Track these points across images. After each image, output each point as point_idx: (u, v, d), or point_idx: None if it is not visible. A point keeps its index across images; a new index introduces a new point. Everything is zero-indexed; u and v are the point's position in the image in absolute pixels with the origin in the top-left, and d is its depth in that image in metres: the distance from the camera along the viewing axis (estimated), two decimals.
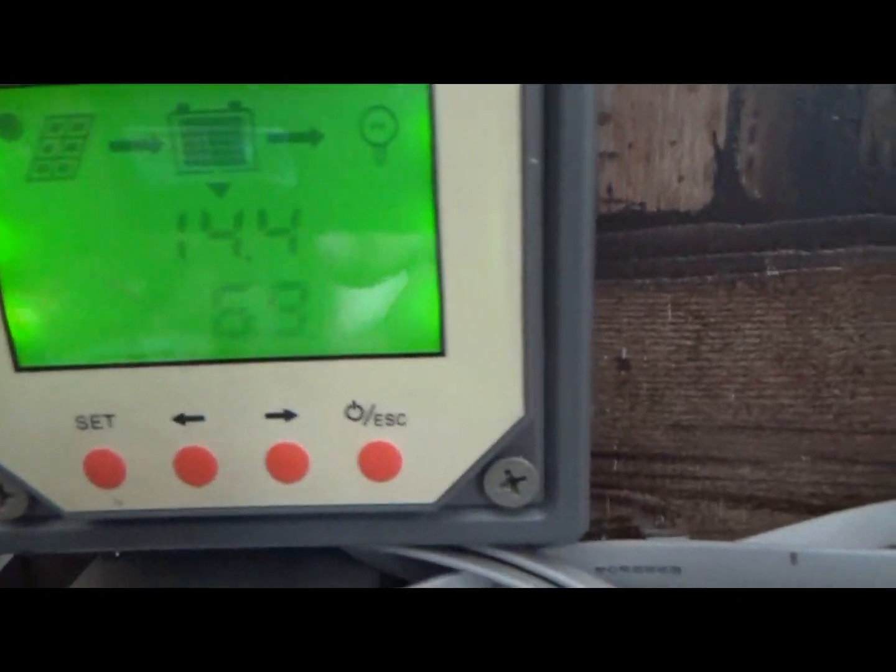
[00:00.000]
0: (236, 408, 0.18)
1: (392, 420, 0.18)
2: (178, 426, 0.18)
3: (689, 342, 0.24)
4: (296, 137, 0.16)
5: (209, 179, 0.16)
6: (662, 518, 0.26)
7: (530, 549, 0.21)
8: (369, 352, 0.17)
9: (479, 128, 0.16)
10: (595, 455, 0.25)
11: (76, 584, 0.24)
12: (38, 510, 0.19)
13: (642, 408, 0.25)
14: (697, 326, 0.24)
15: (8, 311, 0.18)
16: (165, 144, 0.16)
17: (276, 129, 0.16)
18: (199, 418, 0.18)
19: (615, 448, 0.25)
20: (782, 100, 0.21)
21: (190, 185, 0.16)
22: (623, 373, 0.24)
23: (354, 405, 0.18)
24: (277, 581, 0.23)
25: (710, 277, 0.23)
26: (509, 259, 0.16)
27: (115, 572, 0.25)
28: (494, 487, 0.19)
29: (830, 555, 0.18)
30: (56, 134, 0.16)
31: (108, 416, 0.18)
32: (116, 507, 0.19)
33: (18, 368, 0.18)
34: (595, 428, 0.25)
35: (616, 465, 0.25)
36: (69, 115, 0.16)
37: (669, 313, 0.24)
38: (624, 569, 0.20)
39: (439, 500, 0.18)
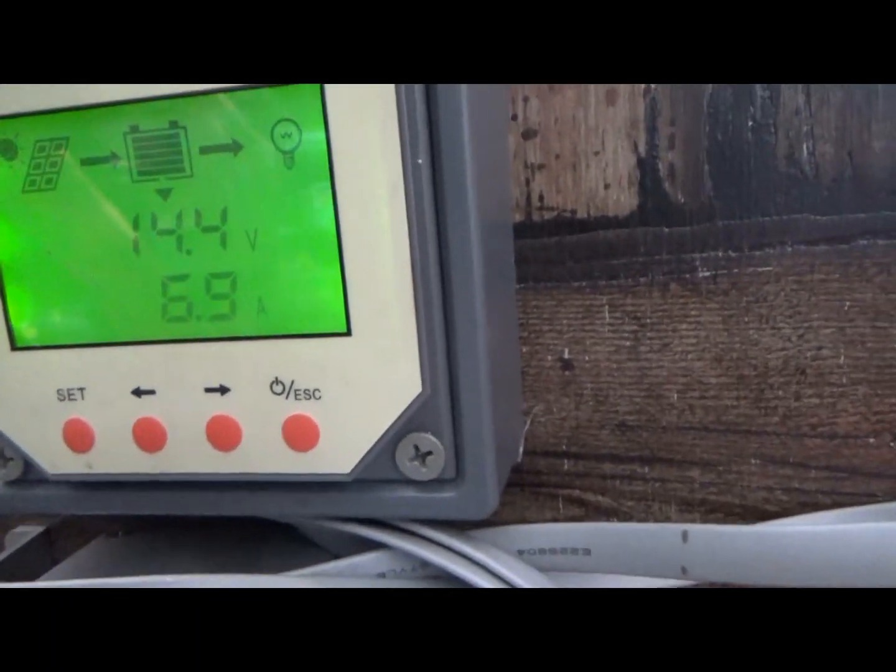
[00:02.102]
0: (181, 383, 0.21)
1: (309, 395, 0.20)
2: (135, 398, 0.21)
3: (627, 343, 0.25)
4: (221, 148, 0.19)
5: (156, 186, 0.20)
6: (615, 520, 0.26)
7: (459, 530, 0.23)
8: (287, 332, 0.20)
9: (366, 133, 0.18)
10: (545, 454, 0.26)
11: (73, 558, 0.27)
12: (30, 475, 0.23)
13: (587, 407, 0.26)
14: (635, 327, 0.25)
15: (8, 300, 0.21)
16: (122, 159, 0.20)
17: (206, 143, 0.19)
18: (152, 392, 0.21)
19: (564, 448, 0.26)
20: (696, 109, 0.23)
21: (142, 191, 0.20)
22: (567, 373, 0.25)
23: (277, 381, 0.20)
24: (241, 560, 0.26)
25: (643, 279, 0.24)
26: (401, 248, 0.19)
27: (110, 549, 0.28)
28: (405, 461, 0.20)
29: (719, 531, 0.18)
30: (42, 154, 0.20)
31: (81, 389, 0.21)
32: (87, 471, 0.22)
33: (14, 348, 0.22)
34: (543, 427, 0.26)
35: (567, 465, 0.26)
36: (51, 138, 0.20)
37: (607, 315, 0.25)
38: (541, 551, 0.21)
39: (353, 470, 0.20)
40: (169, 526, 0.28)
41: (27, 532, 0.31)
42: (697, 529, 0.19)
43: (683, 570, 0.19)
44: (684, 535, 0.19)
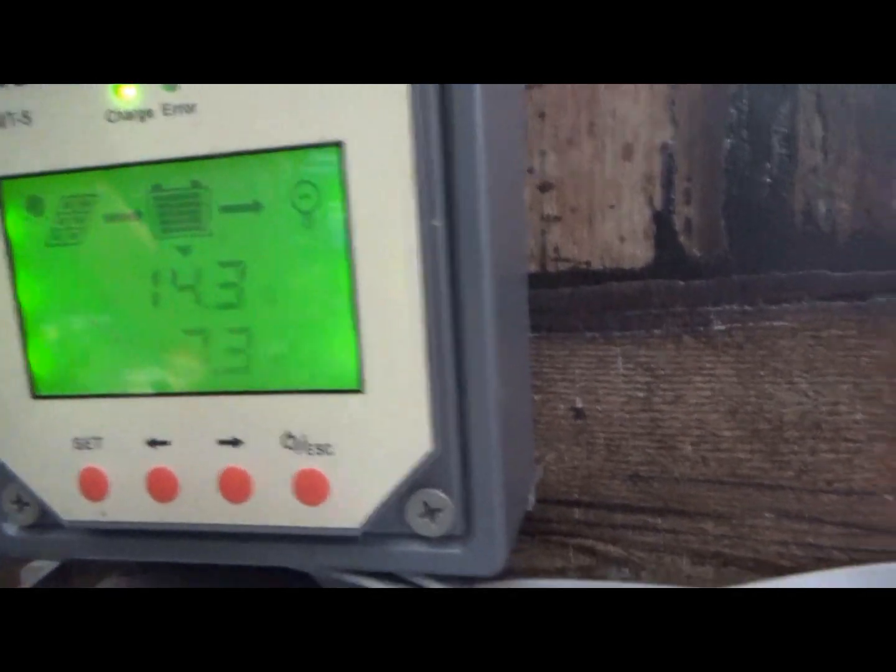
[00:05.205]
0: (195, 435, 0.21)
1: (321, 450, 0.20)
2: (149, 449, 0.21)
3: (640, 394, 0.25)
4: (241, 208, 0.19)
5: (177, 243, 0.20)
6: (626, 570, 0.26)
7: (468, 583, 0.23)
8: (301, 387, 0.20)
9: (383, 195, 0.18)
10: (557, 502, 0.26)
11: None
12: (45, 520, 0.23)
13: (599, 457, 0.25)
14: (648, 378, 0.25)
15: (30, 350, 0.22)
16: (144, 215, 0.20)
17: (227, 202, 0.19)
18: (166, 443, 0.21)
19: (576, 496, 0.26)
20: (713, 164, 0.23)
21: (163, 247, 0.20)
22: (579, 421, 0.25)
23: (289, 435, 0.20)
24: None
25: (657, 331, 0.24)
26: (415, 308, 0.19)
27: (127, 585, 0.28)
28: (414, 517, 0.20)
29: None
30: (67, 210, 0.21)
31: (97, 439, 0.22)
32: (101, 518, 0.22)
33: (34, 396, 0.22)
34: (555, 475, 0.26)
35: (578, 514, 0.26)
36: (77, 195, 0.20)
37: (620, 365, 0.25)
38: None
39: (363, 525, 0.20)
40: (183, 565, 0.28)
41: (42, 567, 0.31)
42: None
43: None
44: None
